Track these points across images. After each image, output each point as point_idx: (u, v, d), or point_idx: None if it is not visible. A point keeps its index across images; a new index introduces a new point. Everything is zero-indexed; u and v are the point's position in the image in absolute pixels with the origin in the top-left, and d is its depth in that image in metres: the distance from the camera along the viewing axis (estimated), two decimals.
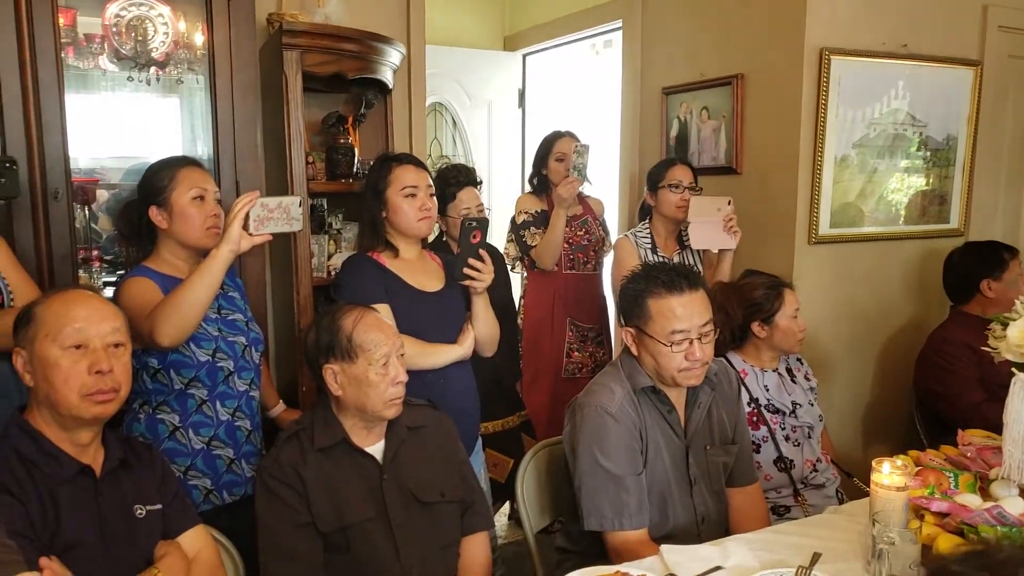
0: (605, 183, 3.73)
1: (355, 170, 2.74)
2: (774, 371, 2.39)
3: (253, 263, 2.42)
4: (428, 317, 2.10)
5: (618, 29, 3.91)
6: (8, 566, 1.25)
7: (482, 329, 2.17)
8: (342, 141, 2.73)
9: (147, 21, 2.41)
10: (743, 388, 2.25)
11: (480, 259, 2.05)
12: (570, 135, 3.27)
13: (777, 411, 2.32)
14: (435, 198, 2.19)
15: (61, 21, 2.19)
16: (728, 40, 3.23)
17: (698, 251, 2.91)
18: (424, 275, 2.19)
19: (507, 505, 3.34)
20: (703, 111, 3.36)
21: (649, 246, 2.88)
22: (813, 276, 3.02)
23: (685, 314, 1.76)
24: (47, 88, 2.13)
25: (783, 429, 2.30)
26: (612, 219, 3.90)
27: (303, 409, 2.36)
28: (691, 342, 1.76)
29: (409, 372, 1.76)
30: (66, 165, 2.18)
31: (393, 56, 2.78)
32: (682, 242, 2.94)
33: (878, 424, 3.28)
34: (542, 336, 3.22)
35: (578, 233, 3.22)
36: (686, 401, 1.91)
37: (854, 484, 2.38)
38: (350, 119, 2.80)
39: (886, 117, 3.06)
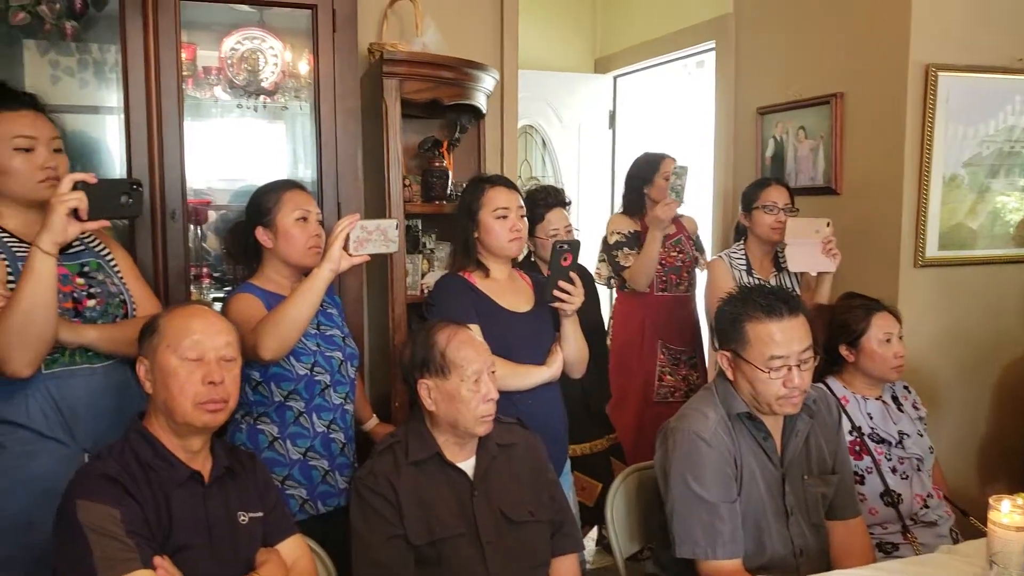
0: (698, 203, 3.68)
1: (449, 192, 2.81)
2: (877, 399, 2.29)
3: (351, 281, 2.50)
4: (517, 337, 2.12)
5: (711, 50, 3.88)
6: (126, 563, 1.33)
7: (571, 351, 2.17)
8: (437, 164, 2.80)
9: (259, 53, 2.56)
10: (844, 416, 2.17)
11: (571, 281, 2.06)
12: (672, 158, 3.24)
13: (882, 441, 2.22)
14: (526, 219, 2.22)
15: (183, 56, 2.34)
16: (826, 59, 3.15)
17: (796, 273, 2.83)
18: (514, 295, 2.21)
19: (595, 530, 3.31)
20: (800, 130, 3.28)
21: (744, 268, 2.82)
22: (920, 300, 2.88)
23: (784, 340, 1.72)
24: (169, 117, 2.28)
25: (889, 460, 2.20)
26: (706, 240, 3.85)
27: (395, 424, 2.41)
28: (790, 369, 1.71)
29: (498, 392, 1.78)
30: (183, 188, 2.32)
31: (487, 82, 2.84)
32: (779, 264, 2.87)
33: (995, 458, 3.09)
34: (631, 358, 3.18)
35: (672, 254, 3.17)
36: (783, 428, 1.85)
37: (970, 523, 2.24)
38: (445, 143, 2.87)
39: (1000, 134, 2.91)
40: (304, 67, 2.60)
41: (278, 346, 1.82)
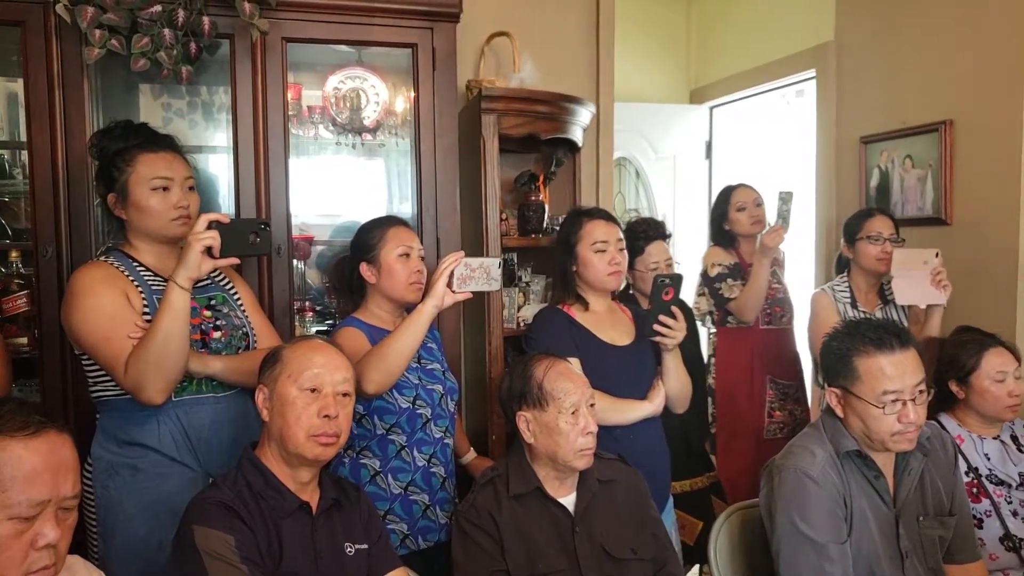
0: (798, 235, 3.58)
1: (545, 226, 2.82)
2: (995, 438, 2.16)
3: (449, 315, 2.52)
4: (618, 371, 2.09)
5: (811, 78, 3.79)
6: None
7: (673, 386, 2.14)
8: (533, 198, 2.82)
9: (360, 92, 2.65)
10: (960, 456, 2.05)
11: (672, 316, 2.03)
12: (745, 185, 3.18)
13: (1001, 483, 2.09)
14: (625, 252, 2.20)
15: (289, 96, 2.45)
16: (933, 85, 3.03)
17: (903, 307, 2.71)
18: (614, 329, 2.19)
19: (695, 569, 3.20)
20: (906, 159, 3.16)
21: (848, 301, 2.72)
22: None
23: (897, 374, 1.65)
24: (275, 156, 2.37)
25: (1010, 503, 2.06)
26: (808, 273, 3.73)
27: (493, 458, 2.41)
28: (904, 404, 1.64)
29: (598, 427, 1.77)
30: (288, 224, 2.40)
31: (583, 116, 2.85)
32: (884, 296, 2.75)
33: None
34: (739, 396, 3.08)
35: (774, 286, 3.09)
36: (895, 467, 1.76)
37: None
38: (541, 177, 2.89)
39: None
40: (401, 104, 2.68)
41: (382, 380, 1.86)
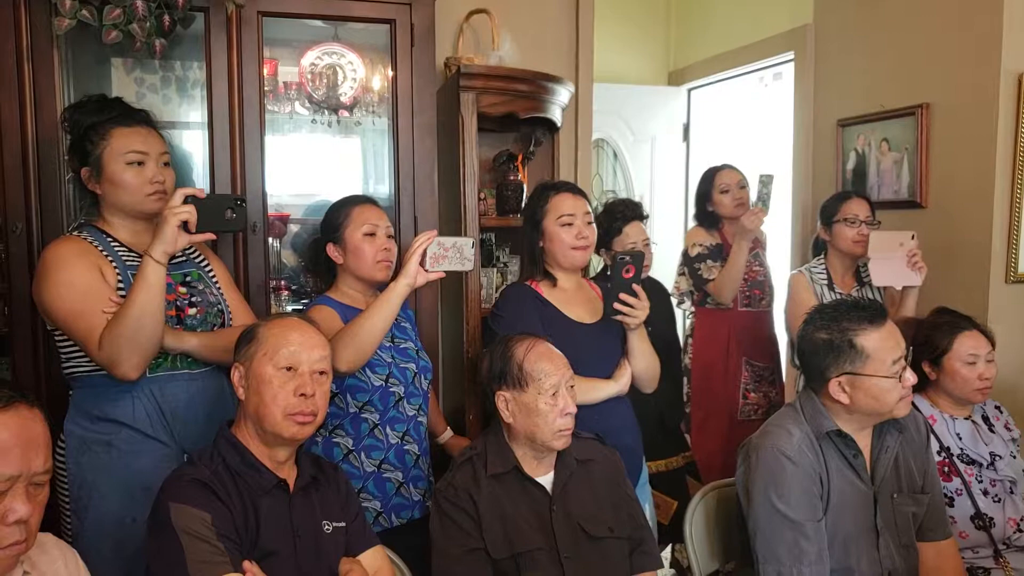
0: (775, 217, 3.61)
1: (523, 206, 2.80)
2: (967, 419, 2.20)
3: (426, 295, 2.52)
4: (583, 350, 2.04)
5: (789, 61, 3.80)
6: (218, 566, 1.36)
7: (639, 365, 2.12)
8: (512, 178, 2.81)
9: (337, 68, 2.61)
10: (932, 435, 2.08)
11: (633, 294, 1.99)
12: (730, 167, 3.19)
13: (972, 462, 2.12)
14: (594, 226, 2.17)
15: (265, 71, 2.41)
16: (910, 69, 3.05)
17: (879, 288, 2.74)
18: (581, 307, 2.17)
19: (668, 549, 3.24)
20: (883, 142, 3.18)
21: (825, 282, 2.75)
22: (1011, 318, 2.75)
23: (895, 340, 1.72)
24: (250, 132, 2.33)
25: (980, 482, 2.10)
26: (785, 255, 3.75)
27: (470, 437, 2.41)
28: (904, 368, 1.72)
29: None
30: (264, 201, 2.37)
31: (562, 95, 2.84)
32: (860, 278, 2.78)
33: None
34: (714, 376, 3.11)
35: (754, 268, 3.11)
36: (871, 446, 1.79)
37: None
38: (519, 157, 2.88)
39: None
40: (378, 82, 2.64)
41: (354, 358, 1.85)
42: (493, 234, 2.86)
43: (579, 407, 1.91)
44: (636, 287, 2.00)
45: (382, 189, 2.69)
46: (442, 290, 2.78)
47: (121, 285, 1.76)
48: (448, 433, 2.36)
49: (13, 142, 2.12)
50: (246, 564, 1.41)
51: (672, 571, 3.31)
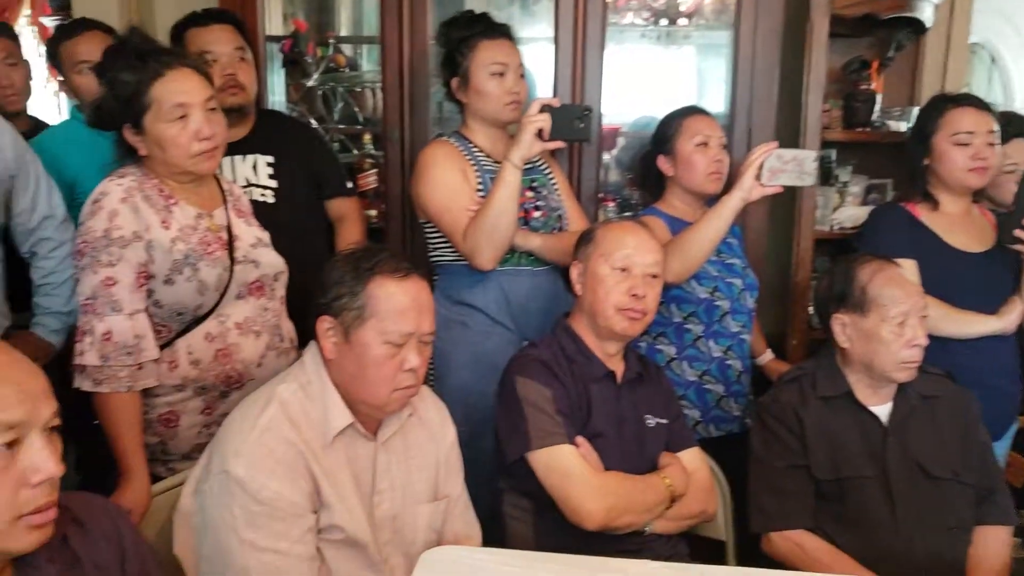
0: None
1: (873, 119, 2.57)
2: None
3: (756, 211, 2.42)
4: (964, 281, 1.87)
5: None
6: (554, 436, 1.53)
7: None
8: (863, 87, 2.56)
9: None
10: None
11: None
12: None
13: None
14: (997, 147, 1.93)
15: None
16: None
17: None
18: (967, 233, 1.96)
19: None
20: None
21: None
22: None
23: None
24: (592, 44, 2.38)
25: None
26: None
27: (791, 362, 2.33)
28: None
29: (931, 337, 1.62)
30: (599, 115, 2.42)
31: None
32: None
33: None
34: None
35: None
36: None
37: None
38: (874, 64, 2.60)
39: None
40: None
41: (681, 269, 1.86)
42: (835, 150, 2.65)
43: (950, 340, 1.75)
44: None
45: (716, 100, 2.61)
46: (771, 207, 2.66)
47: (480, 187, 1.95)
48: (768, 355, 2.31)
49: (393, 61, 2.41)
50: (579, 439, 1.55)
51: (1019, 539, 2.93)
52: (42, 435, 0.92)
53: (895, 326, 1.60)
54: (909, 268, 1.79)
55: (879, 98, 2.59)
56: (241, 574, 1.24)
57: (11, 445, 0.89)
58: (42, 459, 0.90)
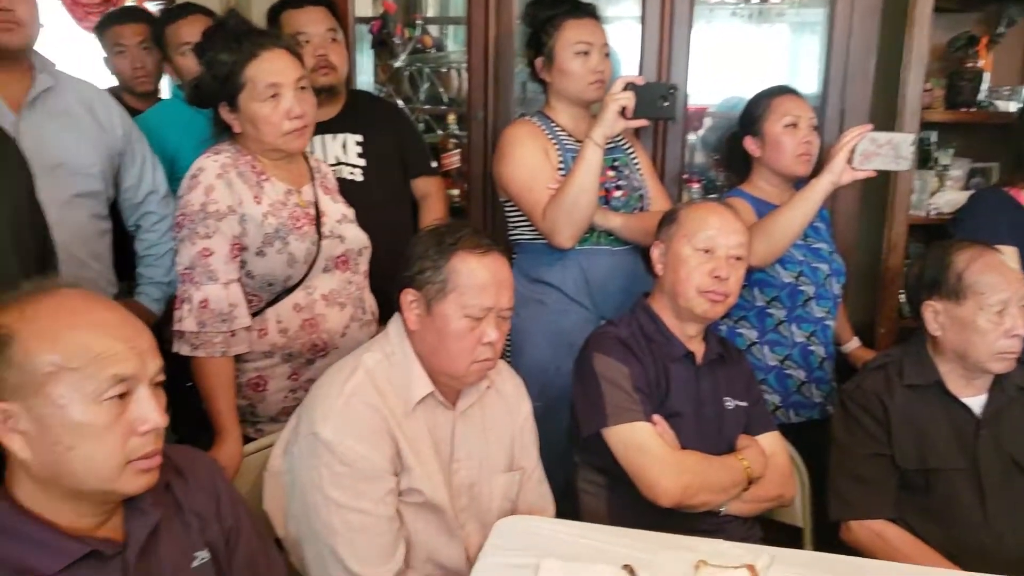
0: None
1: (980, 98, 2.45)
2: None
3: (846, 195, 2.35)
4: None
5: None
6: (631, 413, 1.54)
7: None
8: (969, 65, 2.44)
9: None
10: None
11: None
12: None
13: None
14: None
15: None
16: None
17: None
18: None
19: None
20: None
21: None
22: None
23: None
24: (679, 22, 2.35)
25: None
26: None
27: (878, 350, 2.27)
28: None
29: None
30: (684, 94, 2.39)
31: None
32: None
33: None
34: None
35: None
36: None
37: None
38: (983, 40, 2.47)
39: None
40: None
41: (766, 252, 1.83)
42: (935, 132, 2.54)
43: None
44: None
45: (809, 80, 2.54)
46: (864, 191, 2.57)
47: (561, 166, 1.96)
48: (855, 342, 2.26)
49: (479, 42, 2.43)
50: (656, 417, 1.55)
51: None
52: (149, 388, 0.99)
53: (993, 315, 1.53)
54: (1010, 255, 1.71)
55: (987, 76, 2.47)
56: (326, 530, 1.31)
57: (122, 397, 0.97)
58: (149, 410, 0.98)
